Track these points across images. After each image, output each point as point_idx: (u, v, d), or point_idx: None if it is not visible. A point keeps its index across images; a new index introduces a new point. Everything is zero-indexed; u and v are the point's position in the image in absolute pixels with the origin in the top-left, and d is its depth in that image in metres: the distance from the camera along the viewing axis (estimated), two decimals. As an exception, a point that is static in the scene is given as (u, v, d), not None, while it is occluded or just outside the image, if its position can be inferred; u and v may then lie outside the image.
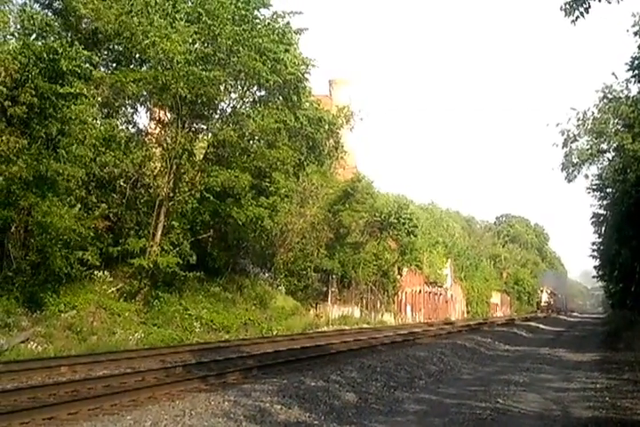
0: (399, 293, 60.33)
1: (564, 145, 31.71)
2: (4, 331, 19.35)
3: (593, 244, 50.21)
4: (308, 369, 16.29)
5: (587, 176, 33.65)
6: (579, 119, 31.17)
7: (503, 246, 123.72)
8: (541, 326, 49.33)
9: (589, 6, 9.46)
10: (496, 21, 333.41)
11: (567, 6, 9.48)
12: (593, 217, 42.82)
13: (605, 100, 31.24)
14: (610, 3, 9.53)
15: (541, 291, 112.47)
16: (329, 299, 45.08)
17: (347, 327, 40.18)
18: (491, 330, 38.17)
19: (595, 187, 36.84)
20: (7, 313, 20.15)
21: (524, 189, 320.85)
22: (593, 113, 31.23)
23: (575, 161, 31.93)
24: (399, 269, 58.16)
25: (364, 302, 51.48)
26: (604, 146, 31.99)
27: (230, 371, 15.68)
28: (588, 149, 31.70)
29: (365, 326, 44.07)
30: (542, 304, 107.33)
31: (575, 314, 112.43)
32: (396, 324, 51.81)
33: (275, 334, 30.77)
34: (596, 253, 50.71)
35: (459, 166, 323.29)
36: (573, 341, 34.13)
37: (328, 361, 18.76)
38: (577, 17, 9.50)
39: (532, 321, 54.56)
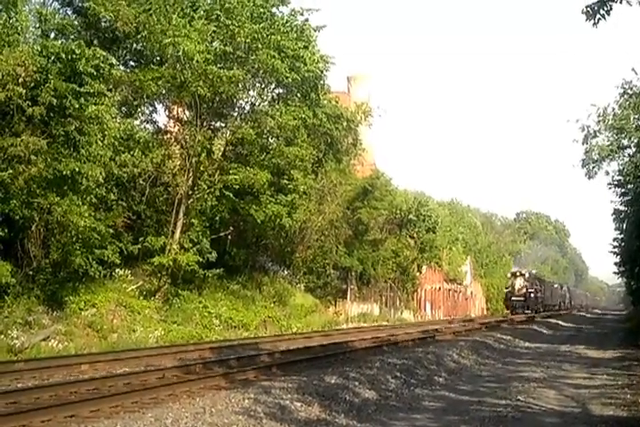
0: (418, 290, 60.23)
1: (585, 141, 31.51)
2: (25, 329, 19.48)
3: (614, 240, 49.95)
4: (328, 367, 16.27)
5: (607, 173, 33.44)
6: (599, 115, 30.97)
7: (524, 243, 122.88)
8: (561, 322, 49.10)
9: (611, 8, 9.34)
10: (518, 15, 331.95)
11: (588, 10, 9.35)
12: (614, 213, 42.54)
13: (626, 96, 31.03)
14: (631, 5, 9.40)
15: (513, 274, 65.82)
16: (348, 296, 45.06)
17: (366, 325, 40.18)
18: (510, 327, 38.02)
19: (615, 183, 36.55)
20: (28, 311, 20.29)
21: (545, 186, 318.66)
22: (613, 109, 31.02)
23: (595, 157, 31.72)
24: (418, 266, 58.00)
25: (384, 299, 51.45)
26: (625, 142, 31.76)
27: (250, 368, 15.70)
28: (608, 146, 31.48)
29: (385, 323, 44.04)
30: (514, 298, 61.94)
31: (596, 311, 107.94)
32: (416, 321, 51.72)
33: (294, 331, 30.81)
34: (616, 250, 50.44)
35: (479, 163, 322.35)
36: (594, 338, 33.91)
37: (347, 359, 18.76)
38: (598, 19, 9.39)
39: (552, 318, 54.28)
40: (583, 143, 31.52)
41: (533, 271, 74.97)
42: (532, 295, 62.72)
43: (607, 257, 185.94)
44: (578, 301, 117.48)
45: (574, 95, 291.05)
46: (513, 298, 62.57)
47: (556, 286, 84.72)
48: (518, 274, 64.84)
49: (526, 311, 60.00)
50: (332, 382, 13.39)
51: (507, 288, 65.76)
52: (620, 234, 46.48)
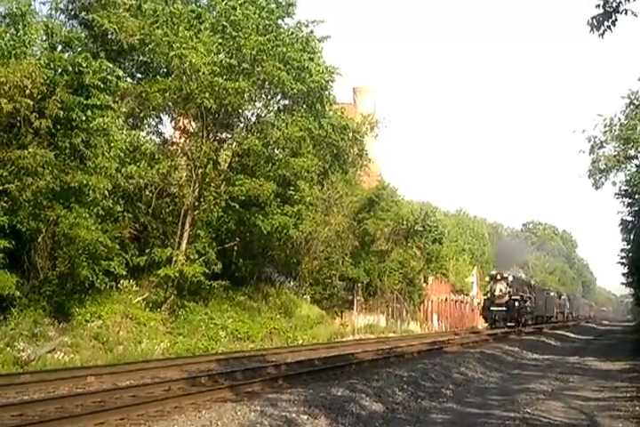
0: (425, 301, 60.00)
1: (591, 152, 31.53)
2: (32, 341, 19.46)
3: (621, 250, 49.88)
4: (334, 379, 16.22)
5: (614, 183, 33.42)
6: (605, 125, 31.00)
7: (531, 254, 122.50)
8: (570, 334, 48.90)
9: (616, 19, 9.32)
10: (523, 25, 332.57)
11: (594, 21, 9.32)
12: (621, 224, 42.51)
13: (632, 106, 31.06)
14: (637, 16, 9.37)
15: (493, 278, 49.38)
16: (354, 307, 44.92)
17: (372, 336, 40.01)
18: (518, 338, 37.85)
19: (622, 193, 36.55)
20: (34, 323, 20.27)
21: (551, 196, 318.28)
22: (619, 119, 31.06)
23: (602, 168, 31.71)
24: (425, 277, 57.89)
25: (390, 310, 51.24)
26: (632, 152, 31.76)
27: (256, 381, 15.62)
28: (615, 156, 31.48)
29: (391, 334, 43.84)
30: (494, 308, 47.52)
31: (604, 322, 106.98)
32: (423, 333, 51.49)
33: (300, 343, 30.73)
34: (624, 261, 50.36)
35: (485, 173, 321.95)
36: (602, 349, 33.78)
37: (354, 371, 18.67)
38: (604, 31, 9.37)
39: (560, 330, 54.02)
40: (590, 154, 31.54)
41: (520, 274, 62.77)
42: (518, 304, 48.31)
43: (615, 268, 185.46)
44: (582, 311, 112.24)
45: (580, 105, 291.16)
46: (492, 308, 48.02)
47: (552, 293, 71.49)
48: (499, 278, 48.75)
49: (509, 324, 47.35)
50: (339, 394, 13.32)
51: (485, 295, 51.54)
52: (628, 244, 46.44)
